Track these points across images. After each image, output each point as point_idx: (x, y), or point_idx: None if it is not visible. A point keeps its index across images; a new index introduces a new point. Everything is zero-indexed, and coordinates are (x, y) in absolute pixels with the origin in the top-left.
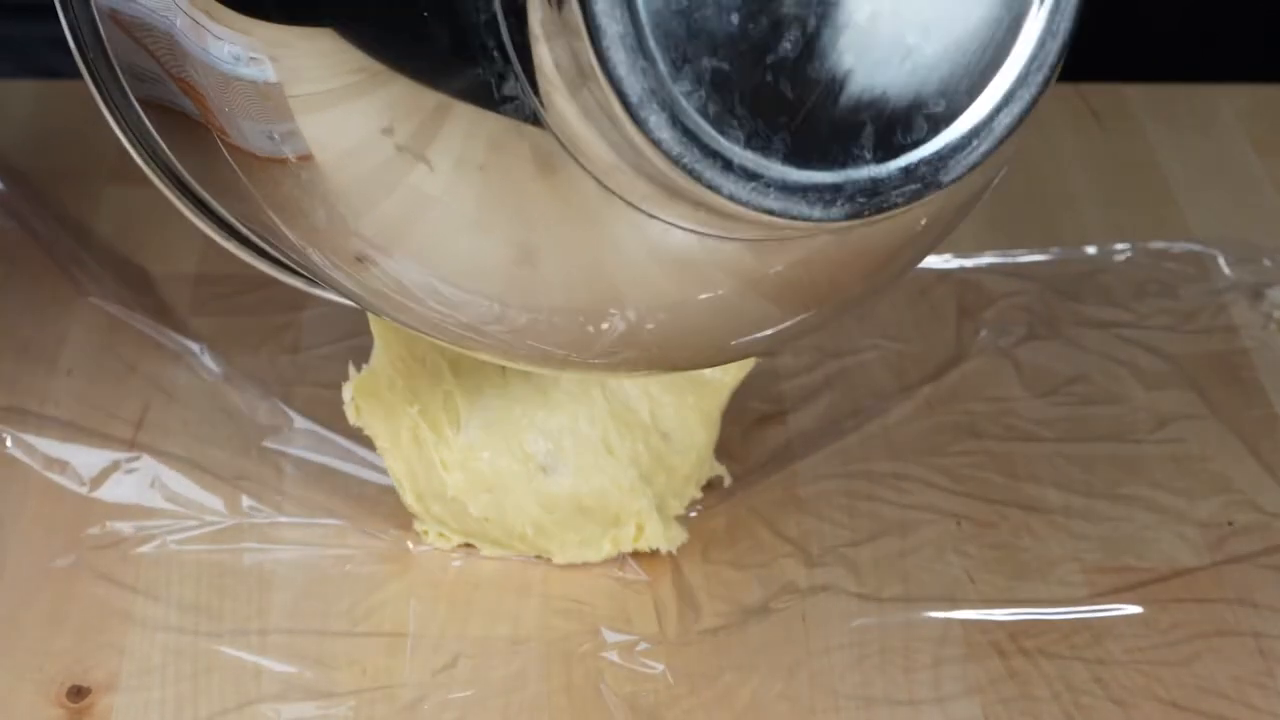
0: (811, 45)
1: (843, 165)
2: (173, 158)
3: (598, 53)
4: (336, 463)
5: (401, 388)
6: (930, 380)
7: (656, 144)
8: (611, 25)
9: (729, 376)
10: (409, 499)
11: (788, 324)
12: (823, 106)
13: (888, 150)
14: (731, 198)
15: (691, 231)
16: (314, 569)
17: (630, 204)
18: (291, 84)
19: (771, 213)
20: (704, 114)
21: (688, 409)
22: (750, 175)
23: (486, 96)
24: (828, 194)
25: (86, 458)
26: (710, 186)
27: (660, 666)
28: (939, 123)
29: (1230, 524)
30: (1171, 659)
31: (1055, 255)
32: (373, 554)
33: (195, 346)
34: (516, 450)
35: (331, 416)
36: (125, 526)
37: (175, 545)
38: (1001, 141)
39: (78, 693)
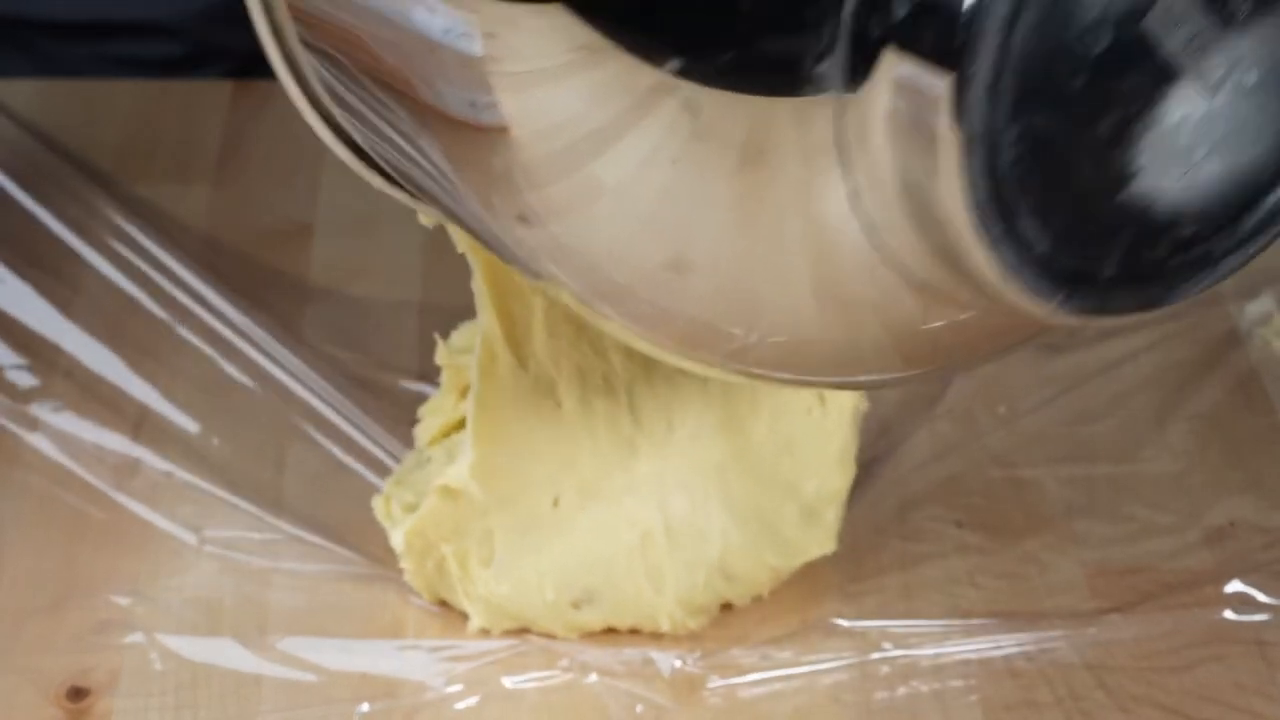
0: (1124, 131)
1: (1094, 261)
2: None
3: (960, 82)
4: (339, 469)
5: (445, 526)
6: (933, 385)
7: (971, 182)
8: (984, 62)
9: (812, 550)
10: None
11: (898, 374)
12: (1103, 197)
13: (1131, 260)
14: (1000, 261)
15: (889, 271)
16: (316, 575)
17: (865, 233)
18: (503, 61)
19: (1023, 287)
20: (1014, 167)
21: (761, 566)
22: (1024, 245)
23: (737, 76)
24: (1070, 285)
25: (87, 457)
26: (989, 243)
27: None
28: (1180, 248)
29: (1233, 530)
30: (1175, 665)
31: None
32: (374, 560)
33: (197, 342)
34: (546, 590)
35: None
36: (126, 526)
37: (178, 547)
38: (1220, 281)
39: (77, 693)
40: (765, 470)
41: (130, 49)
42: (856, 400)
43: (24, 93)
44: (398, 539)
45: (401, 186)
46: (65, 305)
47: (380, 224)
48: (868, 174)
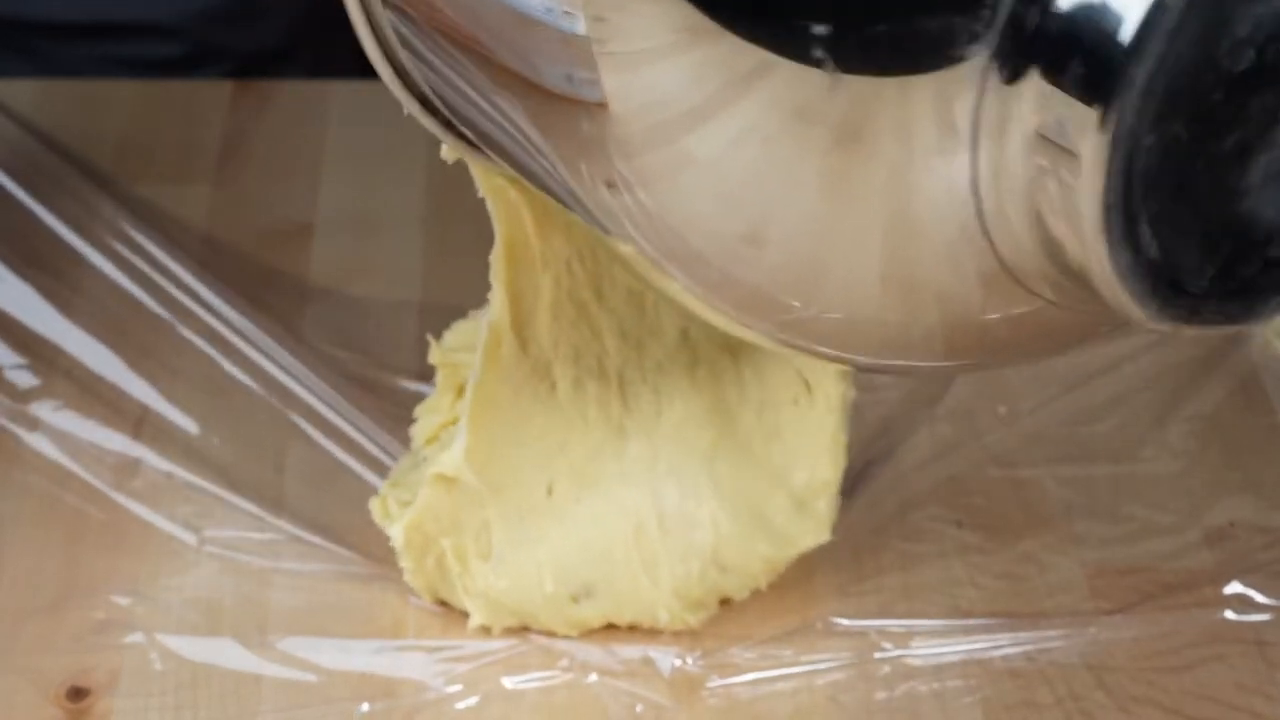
0: (1245, 150)
1: (1192, 274)
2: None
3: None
4: (339, 469)
5: (443, 518)
6: (933, 385)
7: (1107, 181)
8: (1139, 75)
9: (805, 540)
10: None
11: (939, 363)
12: (1213, 211)
13: (1224, 275)
14: (1115, 262)
15: (988, 259)
16: (316, 575)
17: (978, 218)
18: (608, 42)
19: (1130, 291)
20: (1144, 172)
21: (755, 556)
22: (1137, 249)
23: (849, 57)
24: (1168, 294)
25: (87, 457)
26: (1109, 244)
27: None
28: (1268, 267)
29: (1233, 531)
30: (1175, 665)
31: None
32: (374, 560)
33: (197, 342)
34: (545, 583)
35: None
36: (126, 526)
37: (178, 547)
38: None
39: (77, 693)
40: (754, 458)
41: (130, 49)
42: (844, 390)
43: (24, 93)
44: (396, 534)
45: (458, 133)
46: (65, 305)
47: (380, 224)
48: (996, 162)
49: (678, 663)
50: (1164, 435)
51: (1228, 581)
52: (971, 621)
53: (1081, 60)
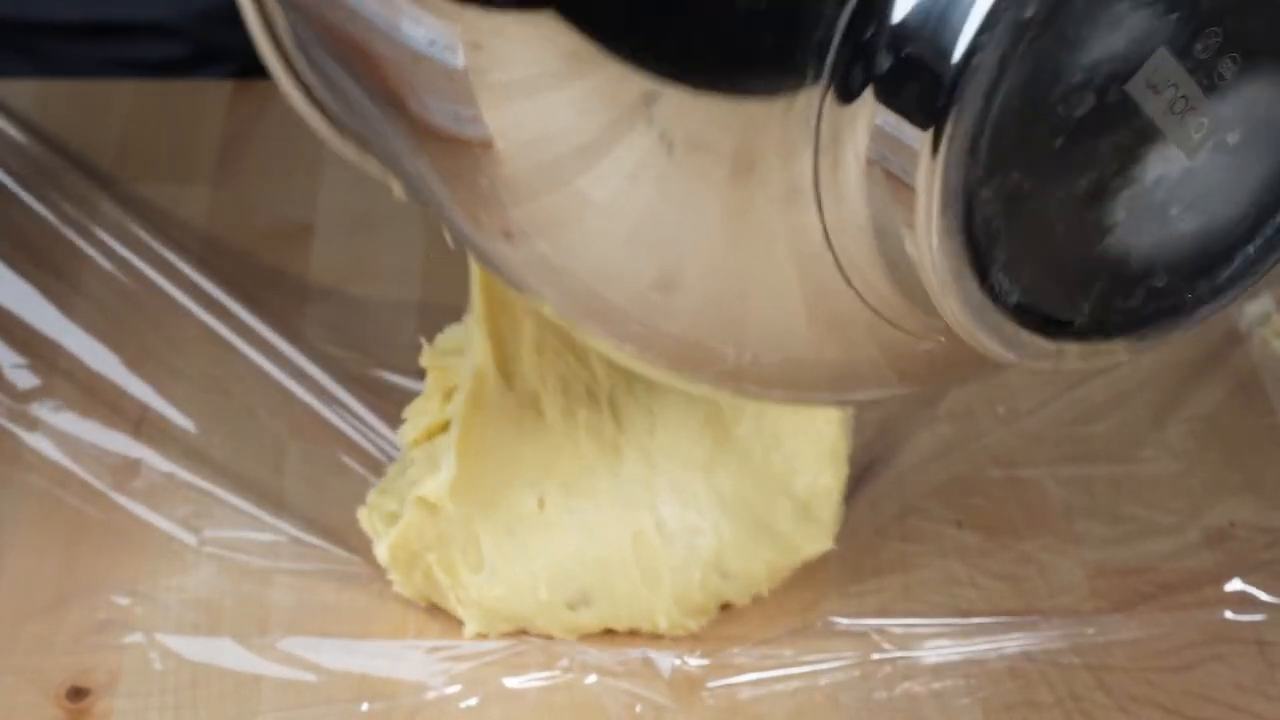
0: (1102, 190)
1: (1065, 311)
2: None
3: (940, 140)
4: (339, 469)
5: (428, 536)
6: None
7: (945, 238)
8: (965, 123)
9: (808, 547)
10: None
11: (895, 390)
12: (1078, 250)
13: (1103, 309)
14: (967, 311)
15: (871, 310)
16: (316, 575)
17: (838, 266)
18: (487, 72)
19: (990, 335)
20: (989, 225)
21: (759, 561)
22: (993, 297)
23: (736, 85)
24: (1039, 335)
25: (87, 458)
26: (959, 296)
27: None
28: (1153, 298)
29: (1233, 530)
30: (1175, 665)
31: None
32: (374, 560)
33: (197, 342)
34: (539, 591)
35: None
36: (126, 526)
37: (178, 547)
38: (1191, 329)
39: (77, 693)
40: (754, 466)
41: (130, 49)
42: None
43: (24, 93)
44: (381, 552)
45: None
46: (65, 304)
47: (380, 224)
48: (841, 214)
49: (678, 663)
50: (1164, 435)
51: (1228, 581)
52: (971, 621)
53: (914, 79)
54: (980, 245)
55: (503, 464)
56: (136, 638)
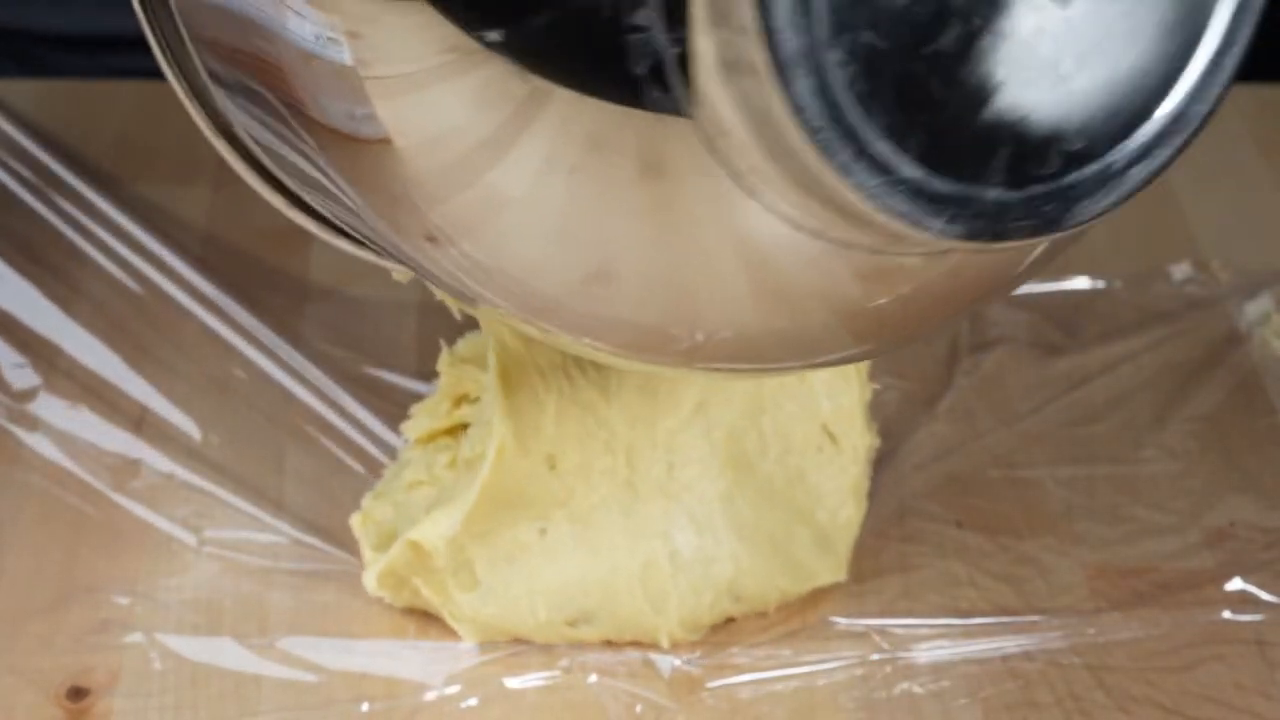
0: (970, 45)
1: (972, 181)
2: (238, 120)
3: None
4: (339, 469)
5: (416, 566)
6: (933, 385)
7: (799, 110)
8: None
9: (823, 576)
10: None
11: (855, 350)
12: (965, 114)
13: (1017, 178)
14: (858, 187)
15: (807, 234)
16: (316, 576)
17: (756, 198)
18: (372, 65)
19: (893, 213)
20: (850, 89)
21: (773, 588)
22: (881, 169)
23: (606, 75)
24: (951, 208)
25: (87, 458)
26: (841, 170)
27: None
28: (1073, 162)
29: (1233, 530)
30: (1175, 665)
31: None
32: None
33: (197, 342)
34: (538, 612)
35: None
36: (126, 526)
37: (178, 547)
38: (1131, 195)
39: (77, 693)
40: (775, 498)
41: (129, 61)
42: (870, 441)
43: (24, 93)
44: (370, 581)
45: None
46: (65, 304)
47: None
48: (724, 136)
49: (678, 663)
50: (1164, 435)
51: (1228, 581)
52: (971, 621)
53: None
54: (848, 114)
55: (508, 506)
56: (136, 638)
